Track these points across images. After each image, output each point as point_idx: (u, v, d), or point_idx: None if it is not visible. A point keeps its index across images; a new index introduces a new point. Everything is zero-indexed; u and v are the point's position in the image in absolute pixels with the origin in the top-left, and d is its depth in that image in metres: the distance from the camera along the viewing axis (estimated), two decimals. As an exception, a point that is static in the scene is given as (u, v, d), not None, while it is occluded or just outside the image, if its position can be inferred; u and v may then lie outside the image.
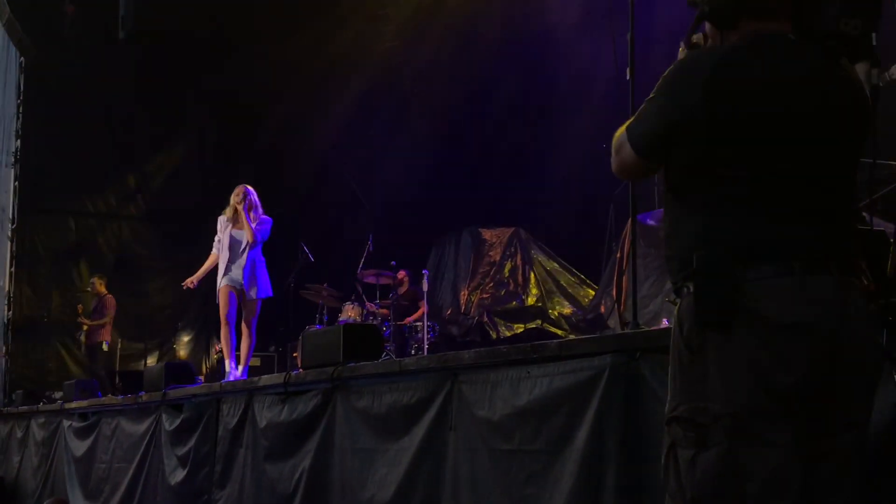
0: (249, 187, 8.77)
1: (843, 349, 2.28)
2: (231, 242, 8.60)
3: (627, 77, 5.10)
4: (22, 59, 14.57)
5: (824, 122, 2.37)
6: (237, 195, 8.67)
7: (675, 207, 2.49)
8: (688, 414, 2.33)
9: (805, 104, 2.36)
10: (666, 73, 2.48)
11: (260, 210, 8.71)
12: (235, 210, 8.62)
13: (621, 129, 2.59)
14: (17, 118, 14.64)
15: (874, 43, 2.44)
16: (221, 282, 8.59)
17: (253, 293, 8.53)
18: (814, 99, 2.37)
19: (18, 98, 14.69)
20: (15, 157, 14.62)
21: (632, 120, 2.57)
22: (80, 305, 12.96)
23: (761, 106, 2.34)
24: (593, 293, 11.86)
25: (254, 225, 8.56)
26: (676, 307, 2.43)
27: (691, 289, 2.36)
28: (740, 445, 2.25)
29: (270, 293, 8.71)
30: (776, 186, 2.33)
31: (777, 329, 2.25)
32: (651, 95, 2.51)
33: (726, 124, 2.34)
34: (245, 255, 8.54)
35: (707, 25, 2.54)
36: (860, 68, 2.51)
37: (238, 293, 8.56)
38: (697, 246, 2.36)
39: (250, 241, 8.52)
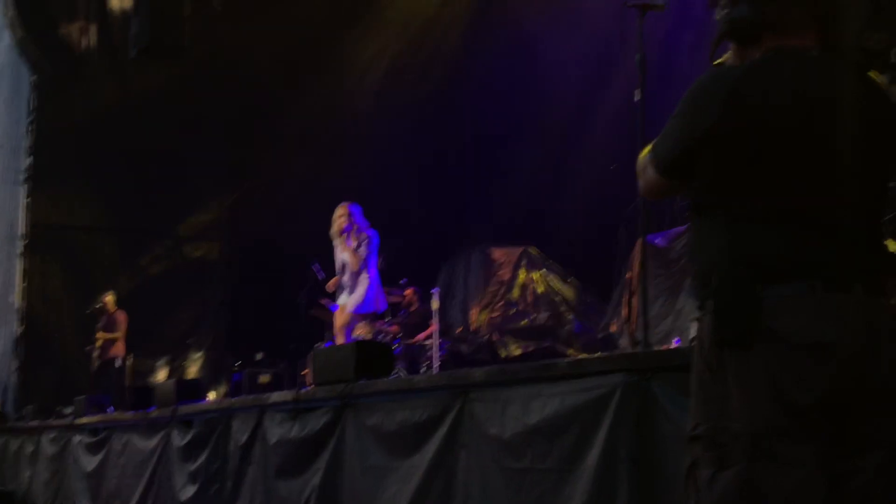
0: (352, 205, 8.75)
1: (868, 370, 2.26)
2: (340, 264, 8.75)
3: (636, 99, 5.13)
4: (34, 76, 14.67)
5: (848, 138, 2.34)
6: (340, 217, 8.69)
7: (698, 225, 2.49)
8: (708, 433, 2.31)
9: (827, 120, 2.34)
10: (687, 91, 2.47)
11: (363, 227, 8.68)
12: (339, 233, 8.68)
13: (646, 149, 2.59)
14: (29, 135, 14.73)
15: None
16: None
17: (349, 307, 8.64)
18: (836, 115, 2.35)
19: (30, 115, 14.78)
20: (27, 174, 14.70)
21: (656, 139, 2.57)
22: (99, 334, 13.03)
23: (782, 122, 2.32)
24: (603, 312, 11.85)
25: (353, 245, 8.59)
26: (699, 325, 2.42)
27: (711, 307, 2.35)
28: (759, 465, 2.23)
29: (370, 309, 8.71)
30: (798, 204, 2.32)
31: (796, 348, 2.24)
32: (674, 113, 2.50)
33: (744, 141, 2.33)
34: (348, 277, 8.67)
35: (730, 43, 2.53)
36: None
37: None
38: (718, 263, 2.35)
39: (352, 267, 8.60)
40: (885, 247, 2.45)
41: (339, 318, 8.80)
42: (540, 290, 12.66)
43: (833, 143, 2.34)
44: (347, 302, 8.62)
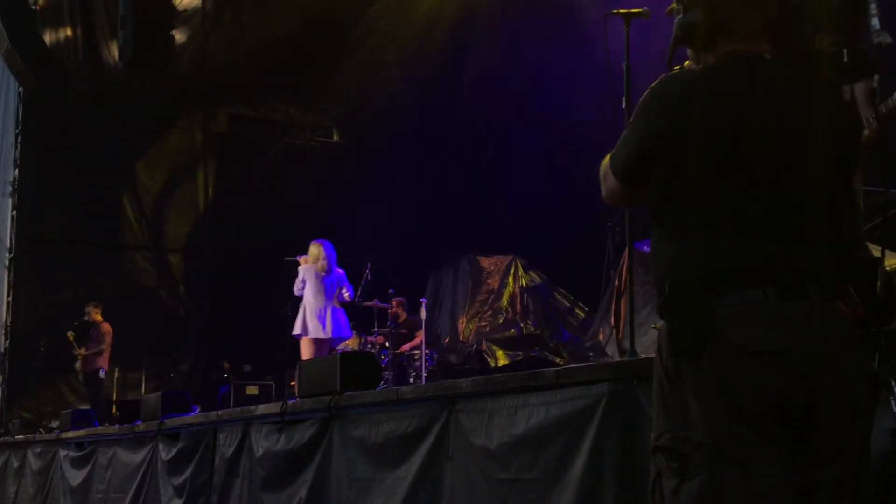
0: (314, 243, 10.08)
1: (823, 376, 2.24)
2: None
3: (623, 106, 5.12)
4: (21, 88, 14.62)
5: (799, 142, 2.34)
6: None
7: (655, 233, 2.48)
8: (671, 443, 2.30)
9: (776, 125, 2.33)
10: (641, 98, 2.47)
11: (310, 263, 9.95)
12: None
13: (607, 157, 2.58)
14: (16, 147, 14.67)
15: (845, 59, 2.42)
16: None
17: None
18: (786, 119, 2.34)
19: (17, 128, 14.73)
20: (13, 187, 14.63)
21: (615, 147, 2.57)
22: (70, 333, 12.92)
23: (729, 127, 2.31)
24: (591, 321, 11.83)
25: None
26: (658, 333, 2.40)
27: (665, 315, 2.33)
28: (722, 475, 2.21)
29: (294, 333, 9.95)
30: (749, 210, 2.30)
31: (747, 356, 2.22)
32: (630, 121, 2.50)
33: (695, 147, 2.32)
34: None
35: (689, 50, 2.53)
36: (859, 87, 2.47)
37: None
38: (671, 272, 2.34)
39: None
40: (848, 251, 2.40)
41: None
42: (528, 298, 12.64)
43: (785, 147, 2.33)
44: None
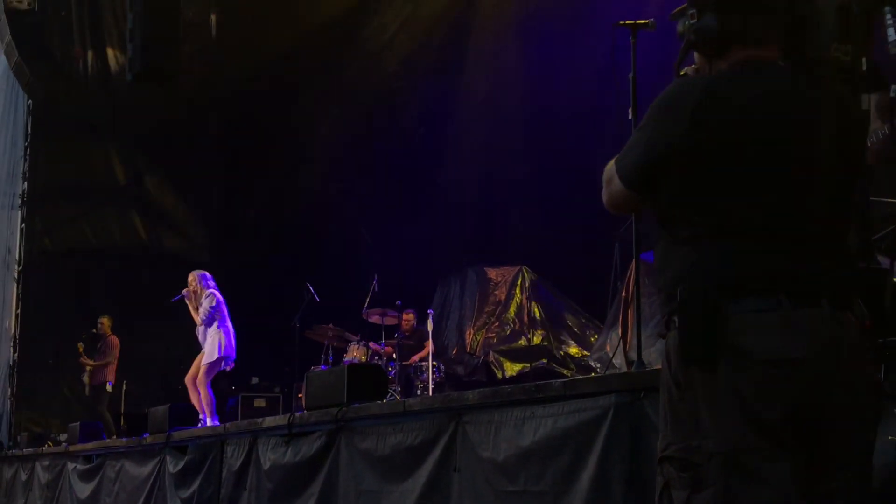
0: (195, 273, 10.08)
1: (833, 385, 2.24)
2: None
3: (629, 116, 5.12)
4: (30, 101, 14.66)
5: (813, 151, 2.33)
6: (189, 283, 10.01)
7: (663, 239, 2.46)
8: (680, 453, 2.28)
9: (792, 134, 2.33)
10: (653, 102, 2.45)
11: (207, 293, 9.80)
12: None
13: (611, 162, 2.57)
14: (25, 160, 14.70)
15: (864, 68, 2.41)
16: None
17: (203, 360, 9.69)
18: (801, 128, 2.33)
19: (26, 140, 14.76)
20: (22, 199, 14.66)
21: (622, 151, 2.55)
22: (80, 344, 12.93)
23: (745, 135, 2.31)
24: (599, 332, 11.80)
25: (200, 309, 9.77)
26: (666, 342, 2.39)
27: (677, 323, 2.32)
28: (735, 484, 2.20)
29: (211, 359, 9.58)
30: (763, 218, 2.30)
31: (762, 364, 2.21)
32: (639, 125, 2.48)
33: (710, 154, 2.31)
34: (201, 330, 9.85)
35: (696, 54, 2.52)
36: (873, 99, 2.45)
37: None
38: (683, 279, 2.32)
39: (197, 323, 9.85)
40: (854, 261, 2.40)
41: (192, 370, 9.87)
42: (535, 309, 12.61)
43: (799, 156, 2.32)
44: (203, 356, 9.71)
